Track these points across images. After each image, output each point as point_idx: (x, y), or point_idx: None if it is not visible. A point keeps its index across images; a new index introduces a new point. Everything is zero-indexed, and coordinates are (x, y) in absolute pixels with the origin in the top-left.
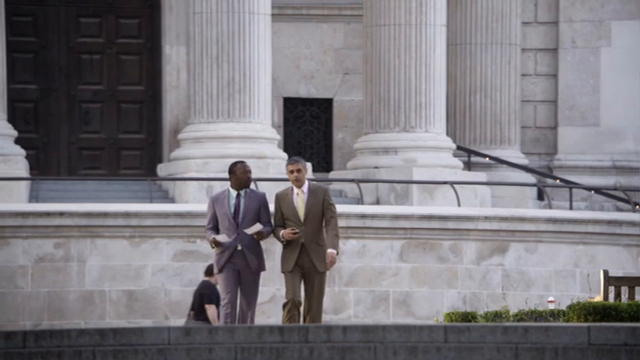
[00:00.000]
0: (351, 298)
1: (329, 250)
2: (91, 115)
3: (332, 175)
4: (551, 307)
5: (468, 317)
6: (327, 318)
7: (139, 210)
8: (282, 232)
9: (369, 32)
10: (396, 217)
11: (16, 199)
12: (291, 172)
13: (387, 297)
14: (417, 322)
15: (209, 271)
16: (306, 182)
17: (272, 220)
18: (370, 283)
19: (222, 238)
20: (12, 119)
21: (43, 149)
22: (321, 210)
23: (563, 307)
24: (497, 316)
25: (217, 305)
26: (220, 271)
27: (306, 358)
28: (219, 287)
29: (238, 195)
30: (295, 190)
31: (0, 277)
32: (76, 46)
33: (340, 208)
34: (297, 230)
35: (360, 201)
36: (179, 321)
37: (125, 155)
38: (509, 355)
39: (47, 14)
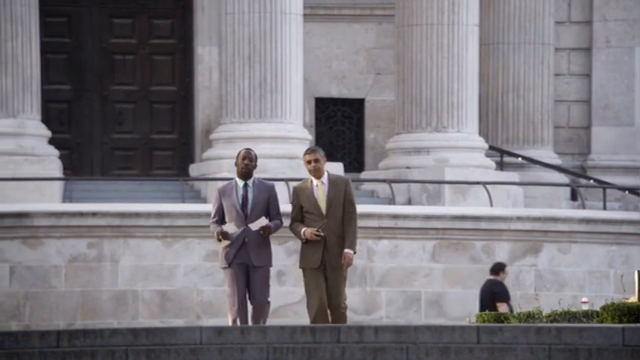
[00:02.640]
0: (383, 299)
1: (346, 251)
2: (124, 116)
3: (364, 175)
4: (585, 307)
5: (500, 318)
6: (358, 318)
7: (172, 210)
8: (303, 229)
9: (400, 32)
10: (428, 217)
11: (50, 199)
12: (309, 162)
13: (419, 297)
14: (450, 323)
15: (495, 270)
16: (326, 173)
17: (281, 213)
18: (402, 283)
19: (229, 227)
20: (46, 119)
21: (76, 149)
22: (343, 202)
23: (597, 308)
24: (530, 316)
25: (508, 302)
26: (229, 266)
27: (338, 358)
28: (225, 286)
29: (245, 185)
30: (314, 181)
31: (34, 276)
32: (109, 47)
33: (372, 208)
34: (322, 233)
35: (391, 201)
36: (211, 321)
37: (157, 155)
38: (542, 356)
39: (81, 15)
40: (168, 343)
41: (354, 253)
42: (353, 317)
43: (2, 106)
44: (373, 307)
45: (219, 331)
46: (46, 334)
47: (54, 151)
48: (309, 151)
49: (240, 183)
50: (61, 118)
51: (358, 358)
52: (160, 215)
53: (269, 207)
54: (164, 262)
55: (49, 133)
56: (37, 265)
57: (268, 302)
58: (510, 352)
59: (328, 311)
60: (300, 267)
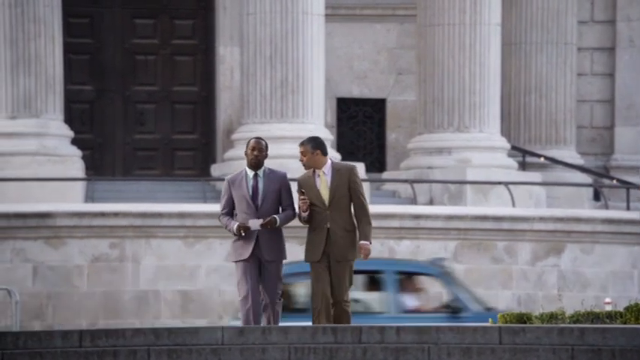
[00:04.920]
0: None
1: (362, 242)
2: (146, 116)
3: (385, 175)
4: (608, 308)
5: (522, 318)
6: None
7: (193, 210)
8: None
9: (422, 32)
10: (450, 217)
11: (72, 199)
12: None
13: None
14: (472, 324)
15: None
16: (329, 162)
17: (295, 203)
18: None
19: (254, 223)
20: (68, 120)
21: (98, 150)
22: (348, 191)
23: (621, 309)
24: (552, 317)
25: None
26: (243, 260)
27: (359, 358)
28: (236, 278)
29: (256, 175)
30: (316, 171)
31: (56, 276)
32: (131, 47)
33: (394, 208)
34: (306, 198)
35: (413, 201)
36: (232, 321)
37: (179, 155)
38: (565, 356)
39: (103, 16)
40: (190, 343)
41: (370, 243)
42: None
43: (25, 106)
44: None
45: (241, 331)
46: (69, 334)
47: (76, 152)
48: (299, 144)
49: (251, 173)
50: (84, 118)
51: (380, 359)
52: (181, 215)
53: (281, 197)
54: (186, 263)
55: (71, 134)
56: (59, 265)
57: (280, 298)
58: (533, 353)
59: (332, 307)
60: (305, 260)
